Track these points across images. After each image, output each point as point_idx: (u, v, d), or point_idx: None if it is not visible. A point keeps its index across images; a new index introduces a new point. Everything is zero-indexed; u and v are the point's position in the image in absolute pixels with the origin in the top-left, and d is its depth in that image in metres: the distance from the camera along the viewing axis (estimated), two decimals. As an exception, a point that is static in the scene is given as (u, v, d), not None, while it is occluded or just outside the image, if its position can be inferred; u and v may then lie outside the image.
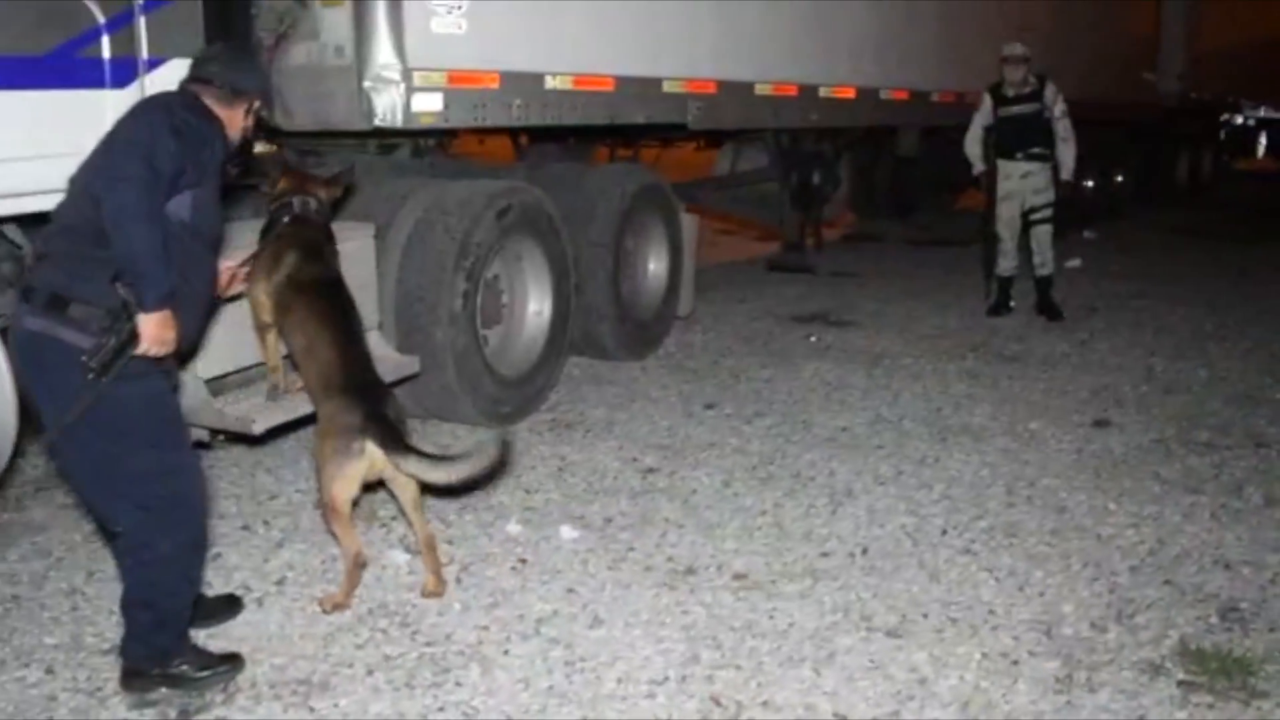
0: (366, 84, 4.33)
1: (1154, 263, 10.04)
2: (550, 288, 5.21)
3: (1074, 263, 9.25)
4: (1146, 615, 3.23)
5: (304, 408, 3.81)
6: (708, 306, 7.55)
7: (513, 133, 6.86)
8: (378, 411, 3.20)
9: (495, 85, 4.76)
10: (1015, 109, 7.30)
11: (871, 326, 7.13)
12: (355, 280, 4.26)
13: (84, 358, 2.52)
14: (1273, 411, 5.38)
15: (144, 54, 3.44)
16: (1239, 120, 19.51)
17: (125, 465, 2.68)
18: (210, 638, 3.02)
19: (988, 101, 7.42)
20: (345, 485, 3.21)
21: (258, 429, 3.68)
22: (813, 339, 6.77)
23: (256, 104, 2.92)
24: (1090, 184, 7.53)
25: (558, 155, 7.04)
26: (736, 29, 6.32)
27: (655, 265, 6.37)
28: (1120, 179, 13.54)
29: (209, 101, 2.80)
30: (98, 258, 2.54)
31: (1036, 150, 7.30)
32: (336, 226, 4.31)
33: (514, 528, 3.85)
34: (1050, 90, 7.30)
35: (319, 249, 3.54)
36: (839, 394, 5.55)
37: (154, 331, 2.57)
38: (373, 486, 3.41)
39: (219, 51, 3.00)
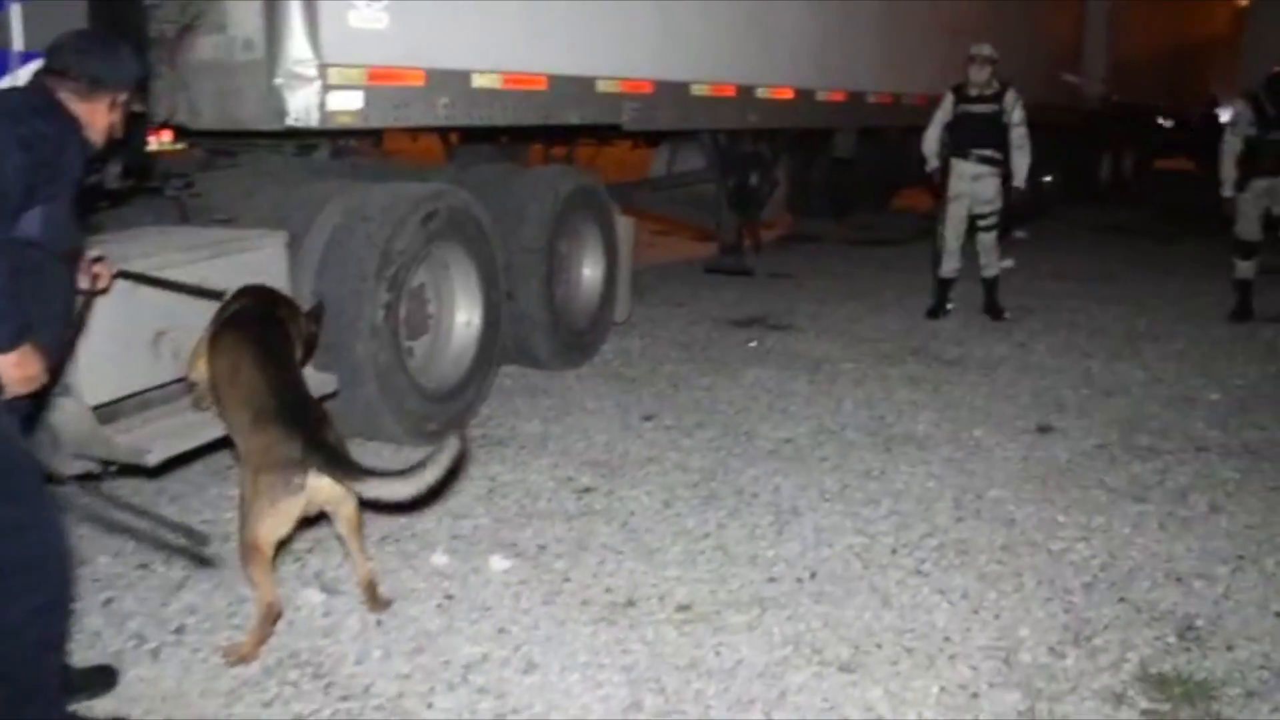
0: (278, 81, 4.06)
1: (1084, 262, 10.09)
2: (480, 296, 4.97)
3: (1007, 263, 9.20)
4: (1104, 637, 3.11)
5: (206, 434, 3.53)
6: (645, 311, 7.36)
7: (443, 132, 6.61)
8: (318, 439, 2.95)
9: (420, 83, 4.51)
10: (974, 108, 7.25)
11: (811, 330, 7.01)
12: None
13: None
14: (1209, 413, 5.36)
15: (18, 46, 3.13)
16: (1162, 122, 19.89)
17: None
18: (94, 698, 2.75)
19: (949, 99, 7.36)
20: (276, 524, 2.93)
21: (152, 460, 3.37)
22: (753, 344, 6.62)
23: (123, 97, 2.63)
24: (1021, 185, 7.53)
25: (490, 155, 6.79)
26: (674, 28, 6.14)
27: (590, 270, 6.16)
28: (1048, 179, 13.68)
29: (65, 95, 2.51)
30: None
31: (988, 153, 7.25)
32: (242, 234, 4.06)
33: (440, 559, 3.61)
34: (1011, 96, 7.27)
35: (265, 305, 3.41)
36: (781, 402, 5.40)
37: (13, 373, 2.31)
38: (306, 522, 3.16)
39: (74, 38, 2.66)
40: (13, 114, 2.38)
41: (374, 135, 5.50)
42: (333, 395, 4.18)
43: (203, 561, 3.43)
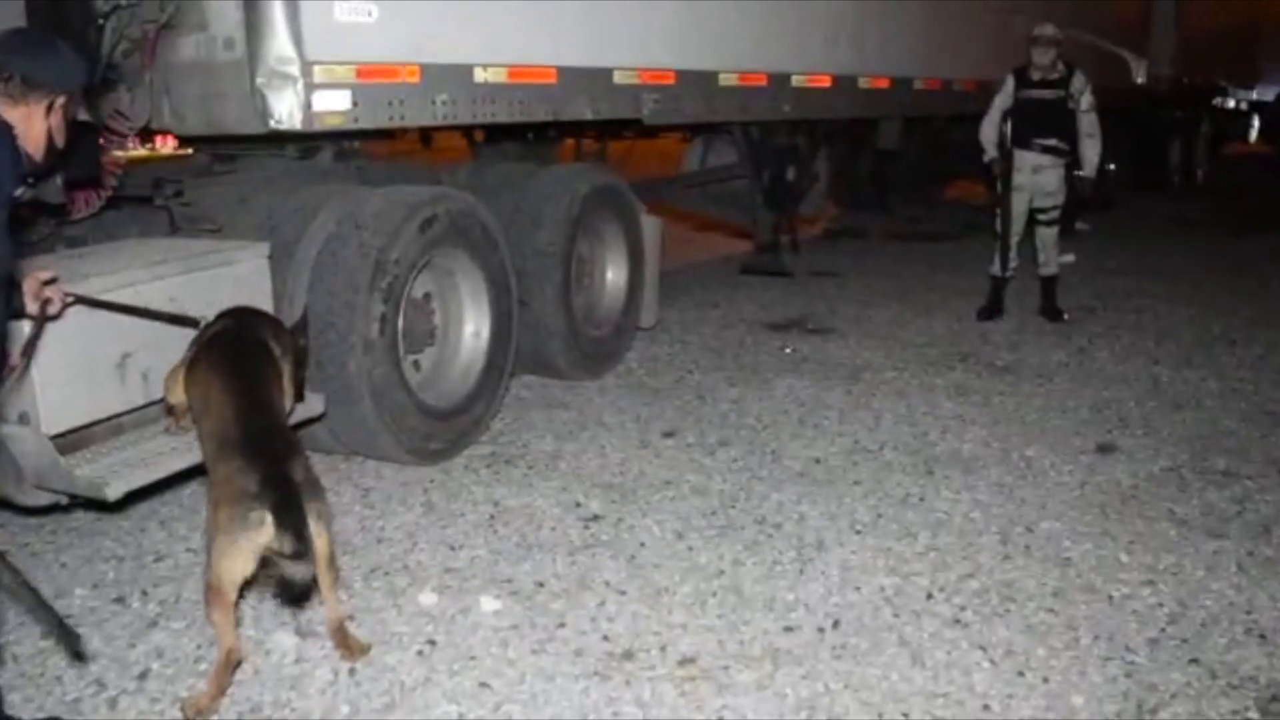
0: (259, 81, 3.76)
1: (1150, 257, 9.50)
2: (488, 305, 4.65)
3: (1067, 258, 8.69)
4: (1172, 709, 2.69)
5: (175, 463, 3.25)
6: (676, 314, 7.00)
7: (467, 129, 6.31)
8: (279, 473, 2.66)
9: (415, 79, 4.19)
10: (1037, 93, 6.73)
11: (852, 334, 6.59)
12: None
13: None
14: (1293, 430, 4.86)
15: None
16: (1230, 104, 19.01)
17: None
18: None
19: (1010, 83, 6.83)
20: (237, 563, 2.65)
21: (112, 495, 3.09)
22: (788, 350, 6.23)
23: (61, 101, 2.36)
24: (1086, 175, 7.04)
25: (517, 153, 6.48)
26: (698, 12, 5.74)
27: (613, 274, 5.81)
28: (1112, 167, 13.03)
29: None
30: None
31: (1052, 142, 6.75)
32: (221, 246, 3.77)
33: (428, 598, 3.29)
34: (1079, 79, 6.75)
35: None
36: (813, 416, 5.00)
37: None
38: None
39: (5, 37, 2.40)
40: None
41: (384, 135, 5.20)
42: (319, 418, 3.89)
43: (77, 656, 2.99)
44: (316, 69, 3.81)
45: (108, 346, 3.25)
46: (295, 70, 3.77)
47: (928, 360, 5.99)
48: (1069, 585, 3.33)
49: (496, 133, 6.10)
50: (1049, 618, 3.14)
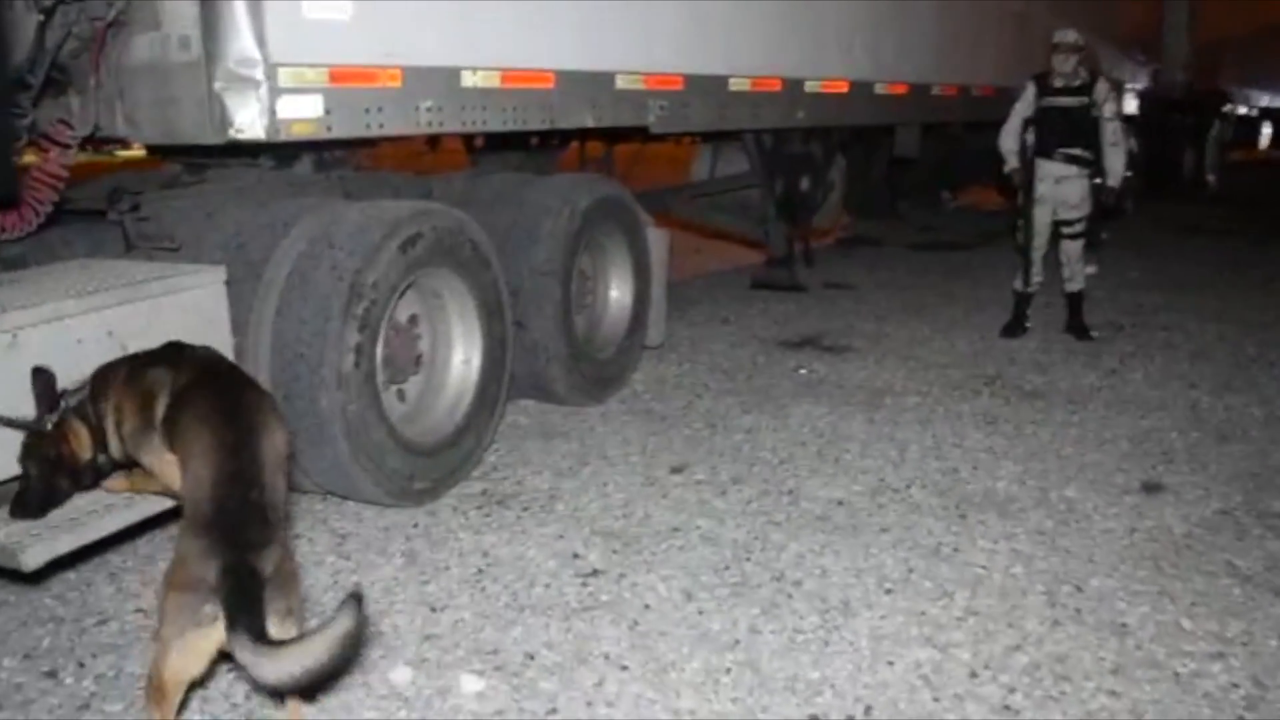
0: (218, 85, 3.38)
1: (1173, 268, 9.11)
2: (479, 330, 4.27)
3: (1090, 269, 8.34)
4: (1266, 825, 2.31)
5: (108, 524, 2.87)
6: (685, 330, 6.63)
7: (466, 135, 5.94)
8: (245, 564, 2.23)
9: (396, 84, 3.81)
10: (1061, 100, 6.35)
11: (871, 353, 6.20)
12: (202, 340, 3.32)
13: None
14: (1353, 464, 4.47)
15: None
16: (1241, 110, 18.64)
17: None
18: None
19: (1031, 90, 6.45)
20: (182, 662, 2.27)
21: (30, 563, 2.69)
22: (803, 371, 5.84)
23: None
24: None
25: (518, 161, 6.11)
26: (707, 14, 5.36)
27: (617, 291, 5.43)
28: (1129, 174, 12.65)
29: None
30: None
31: (1075, 151, 6.37)
32: (170, 270, 3.38)
33: (402, 674, 2.91)
34: (1102, 87, 6.37)
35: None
36: (833, 449, 4.61)
37: None
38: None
39: None
40: None
41: (367, 143, 4.82)
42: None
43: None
44: (282, 72, 3.43)
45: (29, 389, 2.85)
46: (258, 73, 3.39)
47: (952, 383, 5.60)
48: (1129, 659, 2.94)
49: (497, 139, 5.72)
50: (1110, 702, 2.75)
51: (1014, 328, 6.63)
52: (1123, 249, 9.70)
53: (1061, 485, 4.20)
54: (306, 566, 3.54)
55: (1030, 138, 6.43)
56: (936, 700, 2.75)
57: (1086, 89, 6.35)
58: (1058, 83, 6.38)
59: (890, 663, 2.93)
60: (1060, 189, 6.42)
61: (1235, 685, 2.82)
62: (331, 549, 3.68)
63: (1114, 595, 3.30)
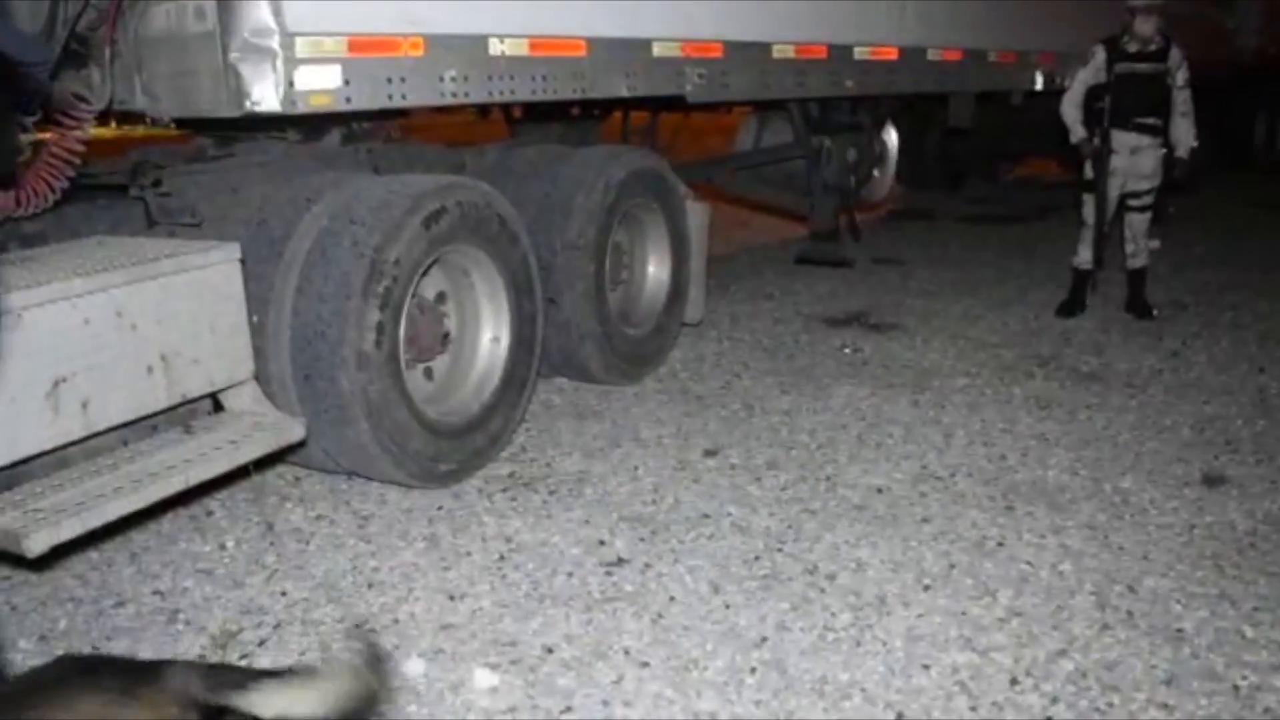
0: (233, 56, 3.28)
1: (1241, 244, 8.70)
2: (508, 308, 4.14)
3: (1154, 244, 8.01)
4: None
5: (114, 508, 2.80)
6: (726, 307, 6.46)
7: (504, 106, 5.80)
8: None
9: (419, 53, 3.67)
10: (1140, 67, 6.01)
11: (919, 332, 5.98)
12: (214, 323, 3.25)
13: None
14: None
15: None
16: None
17: None
18: None
19: (1101, 56, 6.07)
20: None
21: (33, 550, 2.63)
22: (847, 350, 5.65)
23: None
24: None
25: (558, 132, 5.96)
26: (748, -24, 5.15)
27: (655, 267, 5.27)
28: (1195, 144, 12.14)
29: None
30: None
31: (1151, 121, 6.06)
32: (182, 247, 3.29)
33: (415, 666, 2.81)
34: (1176, 53, 6.04)
35: None
36: (875, 433, 4.43)
37: None
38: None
39: None
40: None
41: (398, 114, 4.70)
42: (301, 444, 3.42)
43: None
44: (300, 42, 3.31)
45: (34, 371, 2.78)
46: (274, 43, 3.27)
47: (1003, 364, 5.37)
48: (1183, 669, 2.75)
49: (536, 109, 5.58)
50: (1161, 715, 2.56)
51: (1071, 306, 6.36)
52: (1187, 224, 9.30)
53: (1116, 476, 3.98)
54: (326, 550, 3.47)
55: (1106, 106, 6.10)
56: (973, 709, 2.59)
57: (1163, 54, 6.02)
58: (1133, 47, 6.03)
59: (926, 666, 2.76)
60: (1135, 160, 6.11)
61: (1300, 700, 2.62)
62: (353, 531, 3.59)
63: (1169, 598, 3.10)
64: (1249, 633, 2.92)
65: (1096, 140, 6.12)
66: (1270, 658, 2.80)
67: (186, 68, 3.38)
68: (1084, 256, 6.33)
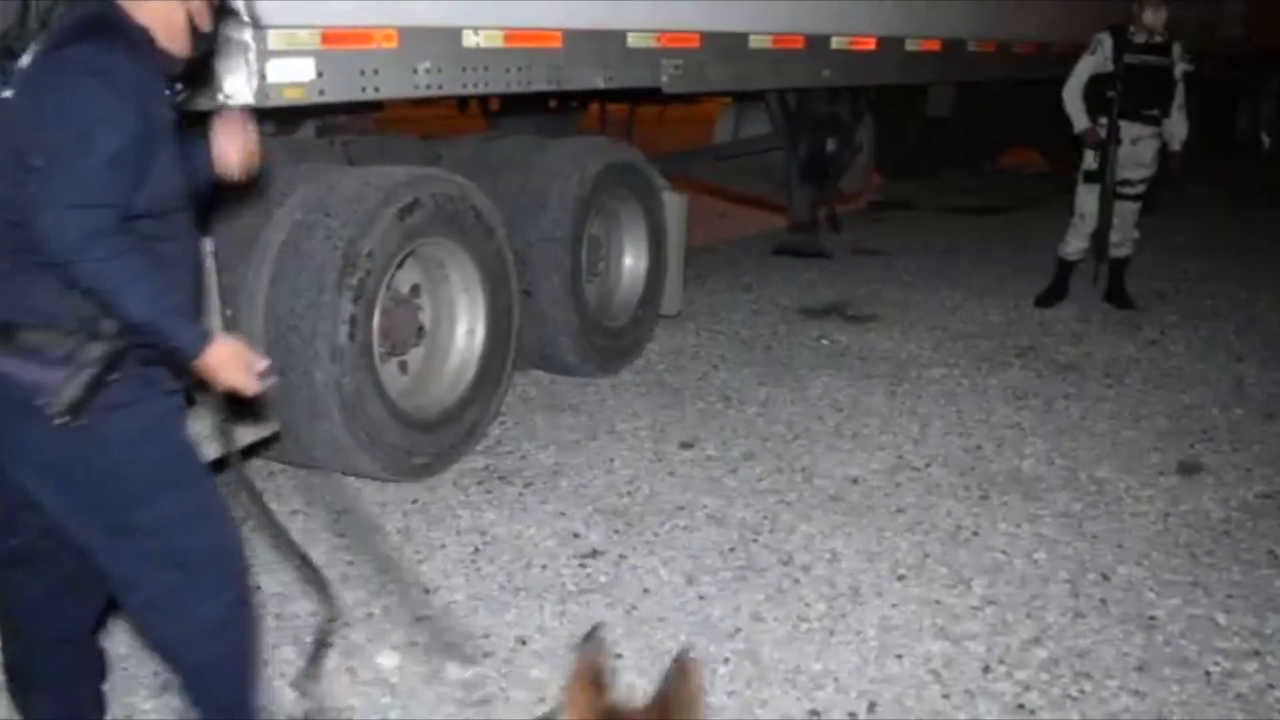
0: (204, 48, 3.23)
1: (1222, 233, 8.76)
2: (483, 300, 4.12)
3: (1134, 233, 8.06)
4: (1298, 843, 2.14)
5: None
6: (704, 298, 6.44)
7: (480, 98, 5.78)
8: None
9: (393, 45, 3.64)
10: (1150, 59, 5.99)
11: (897, 322, 5.99)
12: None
13: (44, 399, 1.84)
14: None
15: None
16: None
17: (139, 517, 1.97)
18: None
19: (1109, 45, 6.03)
20: None
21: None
22: (825, 341, 5.65)
23: None
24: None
25: (535, 124, 5.94)
26: (725, -33, 5.13)
27: (631, 259, 5.25)
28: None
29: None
30: (38, 264, 1.83)
31: (1154, 112, 6.07)
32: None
33: (389, 658, 2.80)
34: (1179, 47, 6.04)
35: None
36: (851, 424, 4.44)
37: (227, 374, 1.95)
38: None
39: None
40: (88, 64, 1.82)
41: (373, 107, 4.67)
42: (274, 437, 3.40)
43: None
44: (272, 34, 3.28)
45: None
46: (246, 35, 3.23)
47: (981, 354, 5.38)
48: (1156, 656, 2.76)
49: (514, 101, 5.56)
50: (1133, 702, 2.58)
51: (1053, 296, 6.37)
52: (1168, 212, 9.32)
53: (1092, 465, 4.00)
54: (300, 543, 3.44)
55: (1115, 96, 6.05)
56: (946, 697, 2.60)
57: (1167, 47, 6.02)
58: (1140, 38, 6.01)
59: (899, 655, 2.77)
60: (1134, 150, 6.10)
61: (1271, 686, 2.64)
62: (327, 525, 3.57)
63: (1143, 585, 3.12)
64: (1221, 620, 2.93)
65: (1102, 130, 6.10)
66: (1242, 644, 2.82)
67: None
68: (1073, 247, 6.34)
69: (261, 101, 3.31)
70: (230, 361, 1.95)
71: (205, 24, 2.00)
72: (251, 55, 3.26)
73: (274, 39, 3.29)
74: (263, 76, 3.28)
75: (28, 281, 1.86)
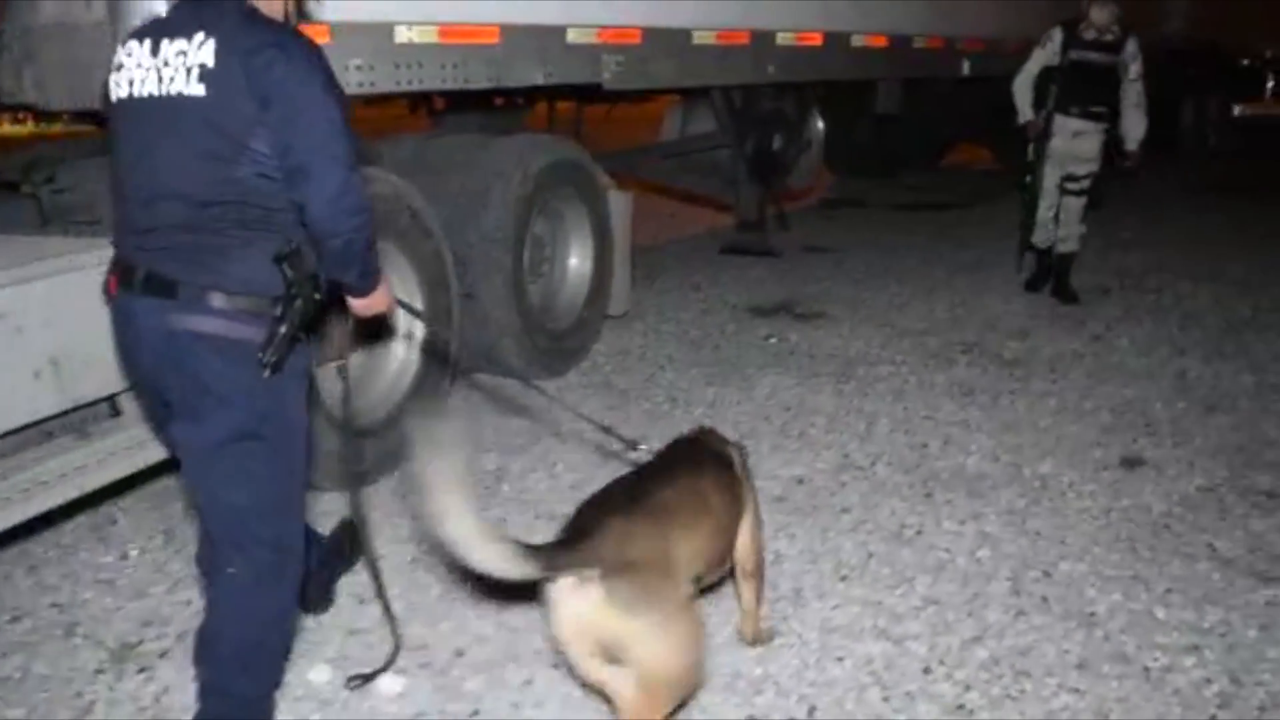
0: (123, 44, 3.12)
1: (1167, 227, 8.85)
2: (421, 303, 4.04)
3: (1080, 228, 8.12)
4: (1234, 841, 2.12)
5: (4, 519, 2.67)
6: (653, 298, 6.40)
7: (424, 95, 5.67)
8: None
9: (324, 40, 3.52)
10: (1092, 55, 6.03)
11: (845, 319, 5.98)
12: (107, 322, 3.11)
13: (261, 353, 2.13)
14: (1346, 436, 4.26)
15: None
16: (1244, 63, 18.20)
17: (285, 481, 2.31)
18: None
19: (1059, 39, 6.09)
20: None
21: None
22: (773, 340, 5.62)
23: None
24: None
25: (480, 122, 5.85)
26: (667, -38, 5.08)
27: (576, 259, 5.19)
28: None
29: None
30: (244, 238, 2.12)
31: (1097, 109, 6.10)
32: (66, 246, 3.16)
33: (321, 674, 2.72)
34: (1133, 45, 6.05)
35: None
36: (798, 423, 4.41)
37: (380, 306, 2.41)
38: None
39: None
40: (309, 49, 2.12)
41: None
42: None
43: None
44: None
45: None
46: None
47: (928, 351, 5.38)
48: (1095, 653, 2.75)
49: (461, 99, 5.46)
50: (1073, 700, 2.56)
51: (1037, 281, 6.51)
52: (1113, 207, 9.44)
53: (1036, 460, 4.00)
54: (232, 556, 3.35)
55: (1053, 90, 6.13)
56: (886, 700, 2.56)
57: (1117, 45, 6.05)
58: (1089, 35, 6.05)
59: (840, 658, 2.74)
60: (1075, 143, 6.15)
61: (1209, 681, 2.64)
62: (260, 536, 3.47)
63: (1084, 581, 3.11)
64: (1160, 614, 2.93)
65: (1043, 123, 6.17)
66: (1181, 639, 2.81)
67: (77, 59, 3.23)
68: (1041, 236, 6.44)
69: (185, 100, 3.20)
70: (386, 295, 2.41)
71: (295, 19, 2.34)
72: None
73: (196, 36, 3.18)
74: (186, 76, 3.17)
75: (242, 254, 2.12)
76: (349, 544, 3.17)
